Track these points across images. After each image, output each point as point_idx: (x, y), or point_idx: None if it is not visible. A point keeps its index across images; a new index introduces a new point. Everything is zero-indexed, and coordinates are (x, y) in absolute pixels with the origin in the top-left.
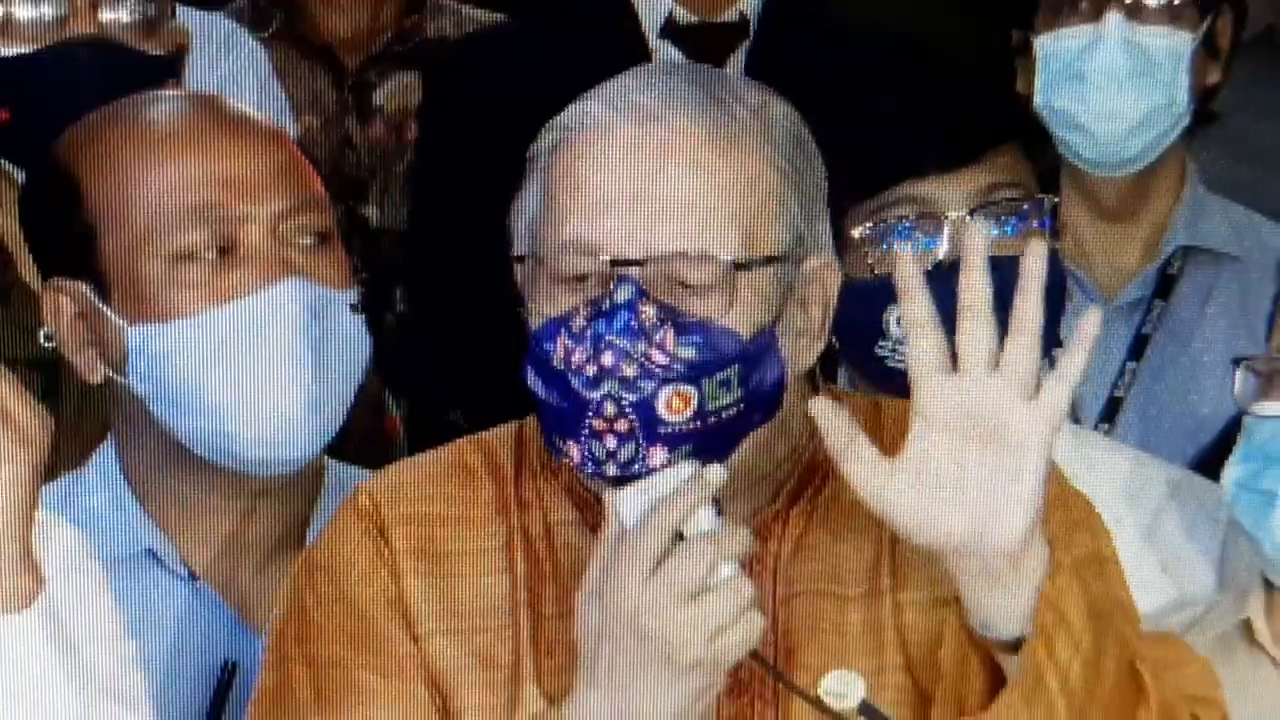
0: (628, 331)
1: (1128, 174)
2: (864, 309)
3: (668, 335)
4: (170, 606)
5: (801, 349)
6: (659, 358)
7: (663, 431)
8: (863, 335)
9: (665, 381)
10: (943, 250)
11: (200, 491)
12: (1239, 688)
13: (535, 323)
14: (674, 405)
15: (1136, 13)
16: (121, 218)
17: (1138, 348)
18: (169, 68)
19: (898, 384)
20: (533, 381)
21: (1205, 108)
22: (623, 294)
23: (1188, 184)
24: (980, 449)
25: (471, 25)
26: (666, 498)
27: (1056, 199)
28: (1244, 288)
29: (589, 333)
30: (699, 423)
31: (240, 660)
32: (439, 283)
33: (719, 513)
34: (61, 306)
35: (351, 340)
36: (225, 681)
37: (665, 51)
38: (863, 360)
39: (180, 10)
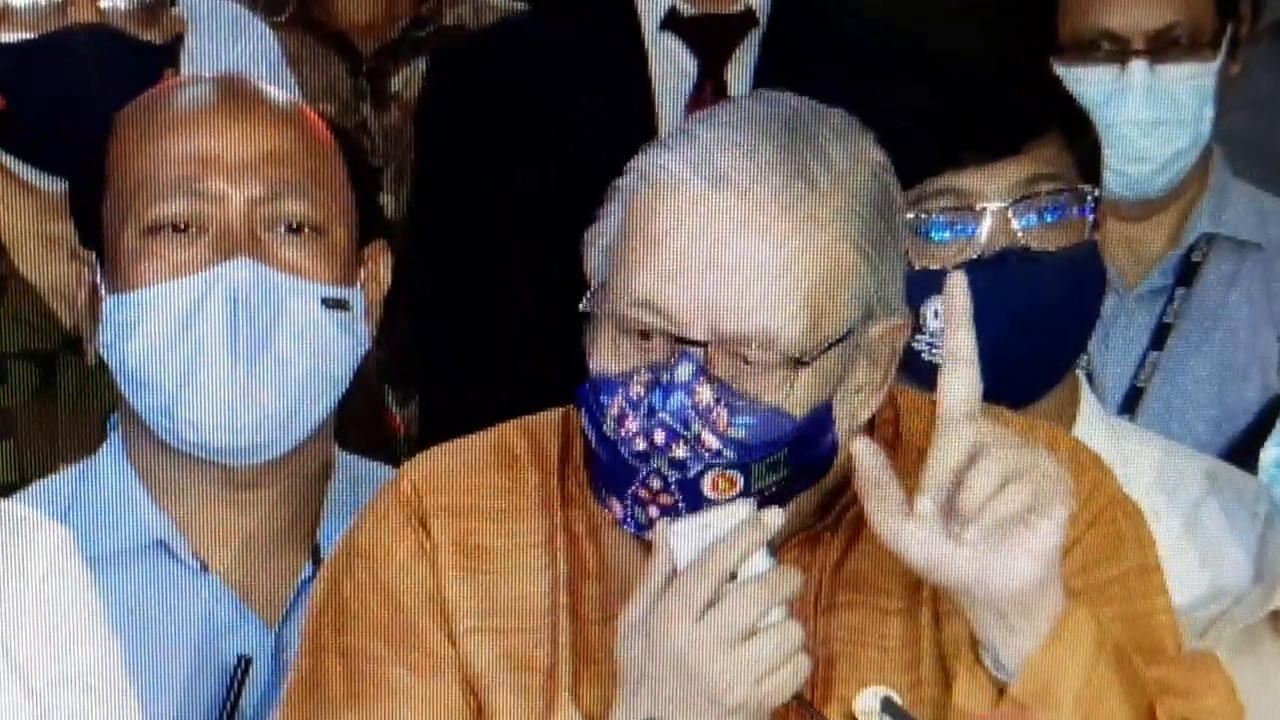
0: (681, 413)
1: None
2: None
3: (720, 416)
4: (183, 598)
5: (859, 404)
6: (710, 441)
7: (694, 506)
8: None
9: (712, 466)
10: (982, 241)
11: (200, 483)
12: (1264, 679)
13: (594, 363)
14: (719, 486)
15: (1160, 55)
16: (118, 186)
17: (1160, 336)
18: (167, 55)
19: (934, 378)
20: (585, 425)
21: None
22: (683, 372)
23: (1214, 171)
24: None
25: (488, 12)
26: (723, 540)
27: (1097, 190)
28: (1268, 275)
29: (645, 403)
30: (743, 497)
31: (252, 652)
32: (442, 269)
33: (772, 553)
34: (83, 277)
35: (319, 334)
36: (240, 676)
37: (665, 44)
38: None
39: None
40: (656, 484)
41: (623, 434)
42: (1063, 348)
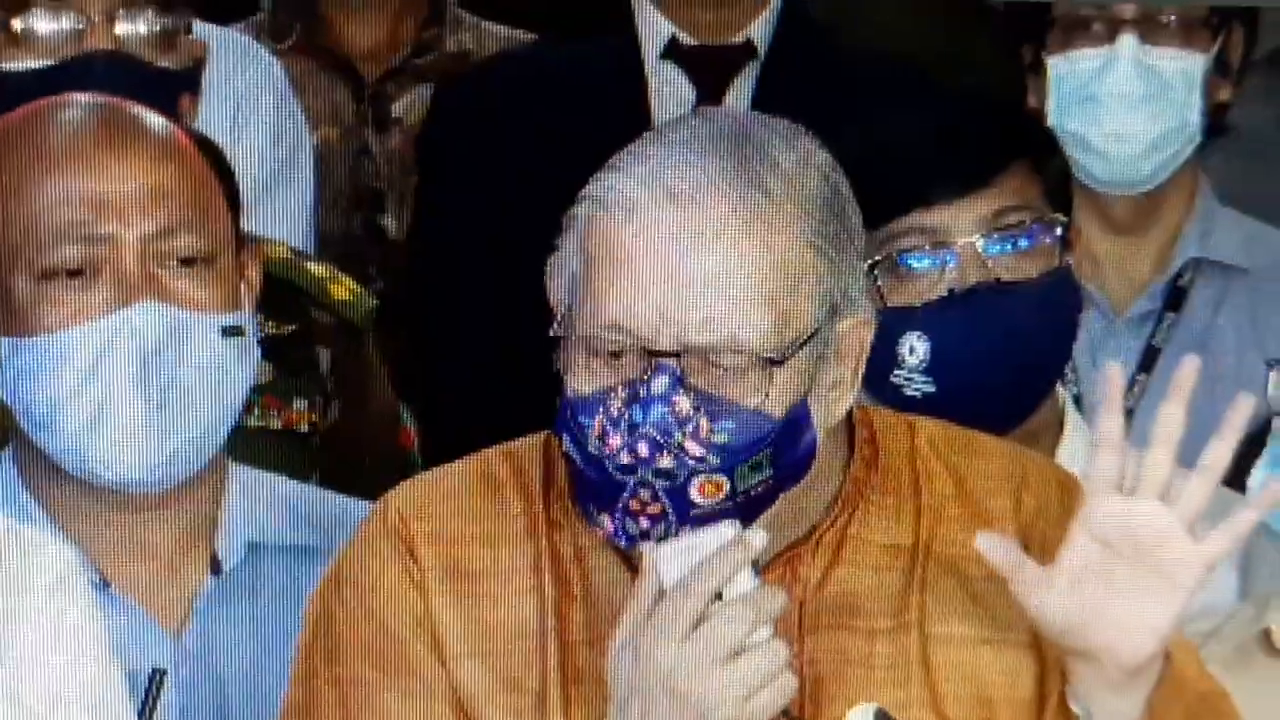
0: (662, 424)
1: (1141, 192)
2: (878, 338)
3: (701, 423)
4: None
5: (833, 401)
6: (693, 448)
7: (695, 513)
8: (878, 364)
9: (697, 472)
10: (954, 275)
11: (100, 505)
12: (1257, 697)
13: (571, 386)
14: (706, 490)
15: (1149, 35)
16: (2, 226)
17: (1148, 360)
18: (186, 81)
19: (914, 412)
20: (567, 446)
21: (1217, 124)
22: (659, 385)
23: (1199, 196)
24: (1131, 570)
25: (490, 39)
26: (708, 560)
27: (1065, 219)
28: (1254, 300)
29: (625, 419)
30: (731, 501)
31: (158, 665)
32: (442, 291)
33: (757, 573)
34: None
35: (219, 364)
36: (155, 688)
37: (665, 73)
38: (879, 388)
39: (196, 25)
40: (645, 495)
41: (607, 451)
42: (1041, 373)
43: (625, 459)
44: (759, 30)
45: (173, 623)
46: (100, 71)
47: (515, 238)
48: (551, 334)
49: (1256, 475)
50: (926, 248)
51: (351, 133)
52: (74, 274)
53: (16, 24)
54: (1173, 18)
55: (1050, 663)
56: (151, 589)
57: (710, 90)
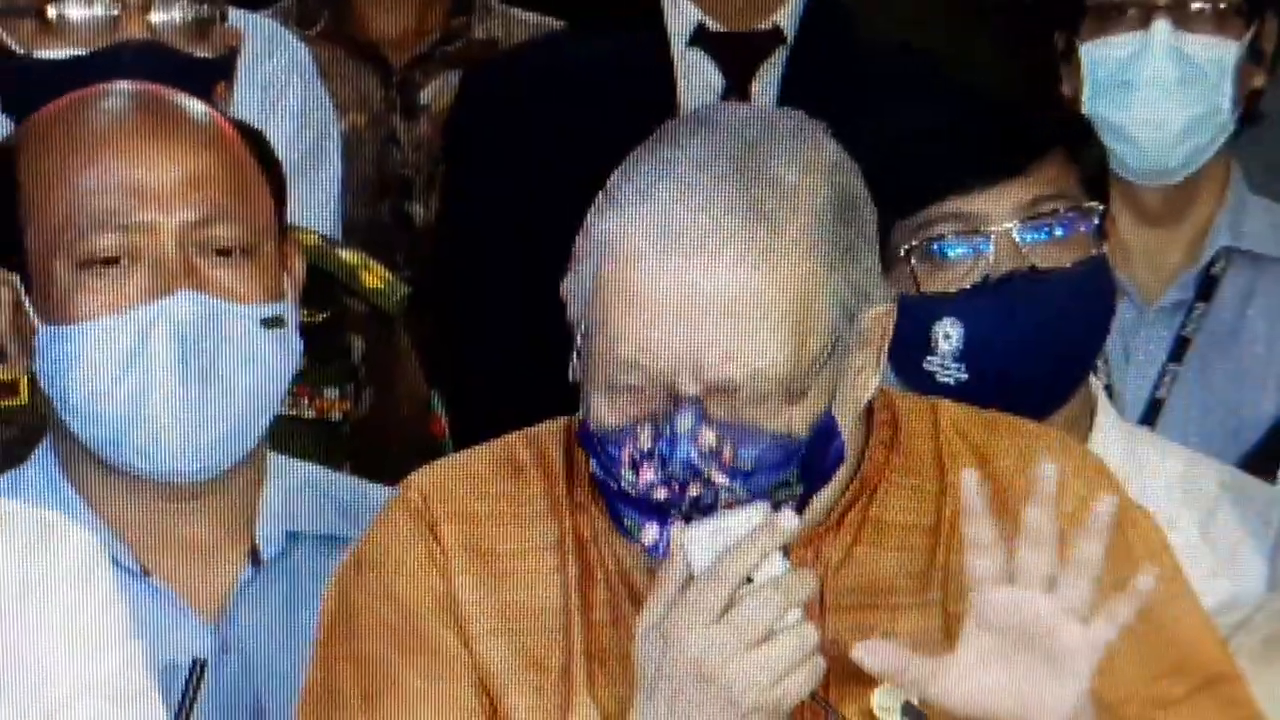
0: (689, 462)
1: (1172, 182)
2: (912, 325)
3: (726, 453)
4: (126, 604)
5: (859, 388)
6: (721, 480)
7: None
8: (911, 350)
9: (721, 493)
10: (990, 263)
11: (140, 495)
12: None
13: (594, 411)
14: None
15: (1183, 21)
16: (42, 215)
17: (1179, 350)
18: (220, 69)
19: (948, 398)
20: (595, 470)
21: (1250, 112)
22: (683, 424)
23: (1231, 186)
24: (1027, 657)
25: (519, 27)
26: (739, 544)
27: (1102, 207)
28: None
29: (655, 453)
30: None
31: (197, 654)
32: (470, 279)
33: (786, 556)
34: (2, 296)
35: (259, 355)
36: (195, 679)
37: (692, 60)
38: (912, 375)
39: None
40: (680, 517)
41: (641, 485)
42: (1074, 362)
43: (661, 494)
44: (787, 16)
45: (211, 612)
46: (134, 60)
47: (542, 224)
48: (575, 360)
49: None
50: (962, 234)
51: (379, 120)
52: (112, 262)
53: (51, 11)
54: (1206, 5)
55: None
56: (191, 579)
57: (738, 77)
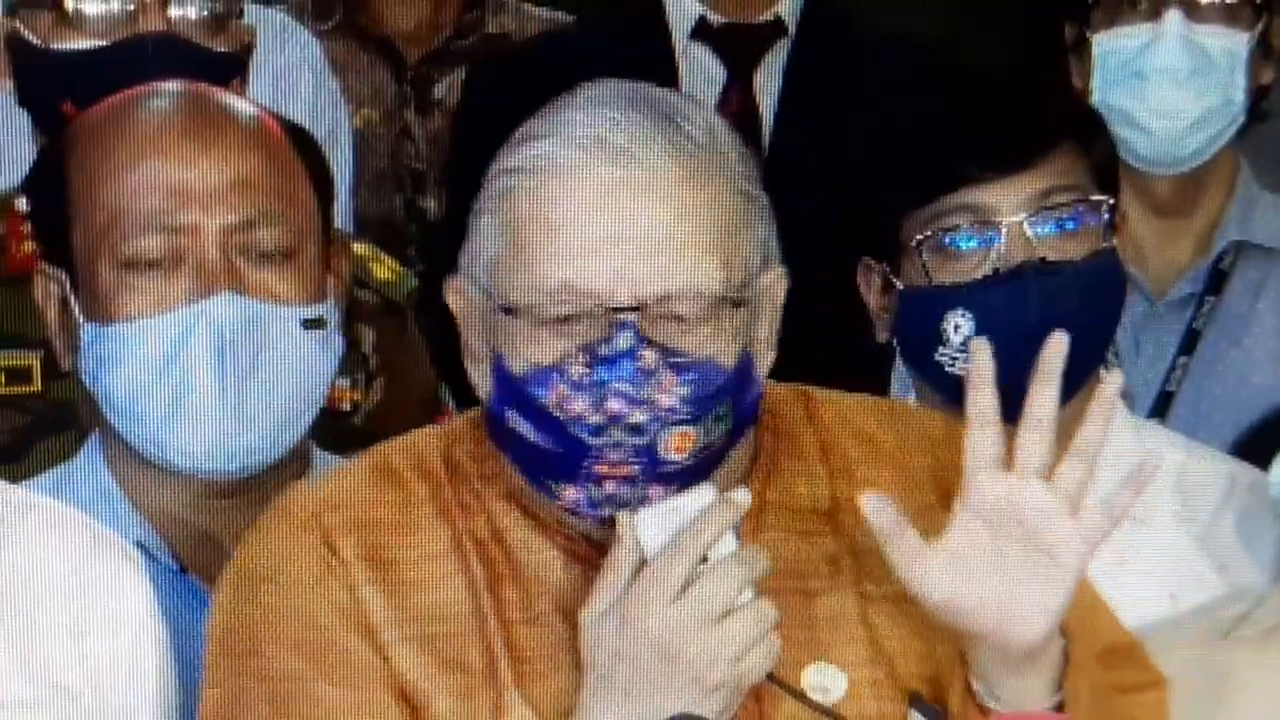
0: (633, 378)
1: (1182, 171)
2: (923, 316)
3: (666, 376)
4: (162, 599)
5: (760, 356)
6: (663, 400)
7: (662, 471)
8: (923, 342)
9: (669, 424)
10: (1000, 254)
11: (181, 491)
12: None
13: (517, 366)
14: (676, 445)
15: (1195, 12)
16: (88, 214)
17: (1189, 343)
18: (236, 64)
19: (959, 390)
20: (516, 423)
21: (1259, 107)
22: (624, 341)
23: (1240, 180)
24: (1019, 549)
25: (531, 21)
26: (696, 522)
27: (1113, 200)
28: None
29: (590, 380)
30: (693, 458)
31: None
32: None
33: (737, 535)
34: (50, 291)
35: (299, 356)
36: None
37: (694, 53)
38: (923, 367)
39: None
40: (615, 456)
41: (572, 415)
42: (1085, 355)
43: (596, 419)
44: (787, 7)
45: None
46: (151, 53)
47: None
48: (466, 319)
49: (1277, 465)
50: (973, 226)
51: (393, 114)
52: (155, 263)
53: (69, 5)
54: None
55: None
56: None
57: (740, 69)
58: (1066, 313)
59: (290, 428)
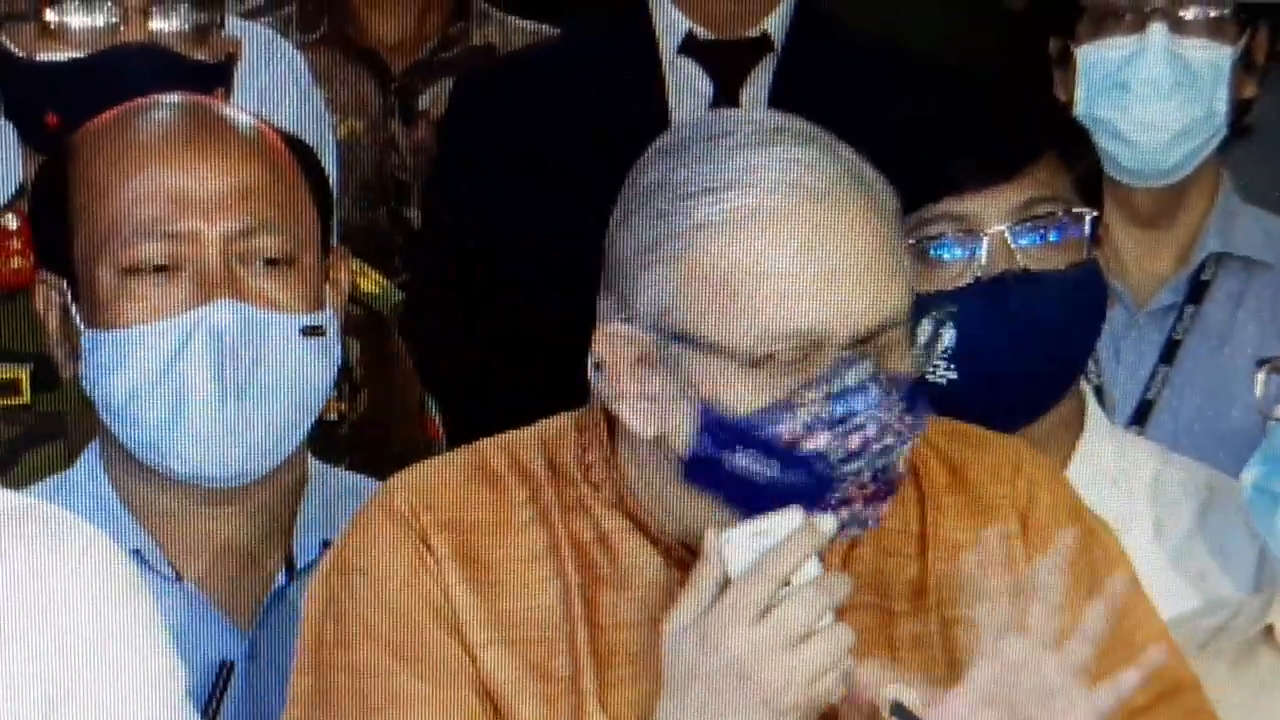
0: (879, 406)
1: (1164, 184)
2: None
3: (895, 400)
4: (159, 607)
5: None
6: (899, 423)
7: (893, 486)
8: None
9: (905, 442)
10: (982, 264)
11: (178, 499)
12: (1261, 691)
13: (738, 408)
14: (905, 459)
15: (1179, 26)
16: (89, 222)
17: (1169, 352)
18: (219, 75)
19: (941, 399)
20: (739, 462)
21: (1241, 120)
22: (862, 372)
23: (1221, 191)
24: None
25: (516, 33)
26: (782, 545)
27: (1095, 213)
28: (1275, 294)
29: (829, 415)
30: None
31: (229, 659)
32: (457, 281)
33: (820, 559)
34: (50, 300)
35: (298, 364)
36: (223, 681)
37: (682, 67)
38: None
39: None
40: (864, 479)
41: (818, 449)
42: (1065, 365)
43: (846, 448)
44: (775, 24)
45: (243, 618)
46: (134, 63)
47: (532, 231)
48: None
49: (1247, 474)
50: (956, 235)
51: (378, 125)
52: (156, 270)
53: (52, 16)
54: (1201, 10)
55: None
56: (224, 584)
57: (727, 84)
58: (1047, 323)
59: (288, 435)
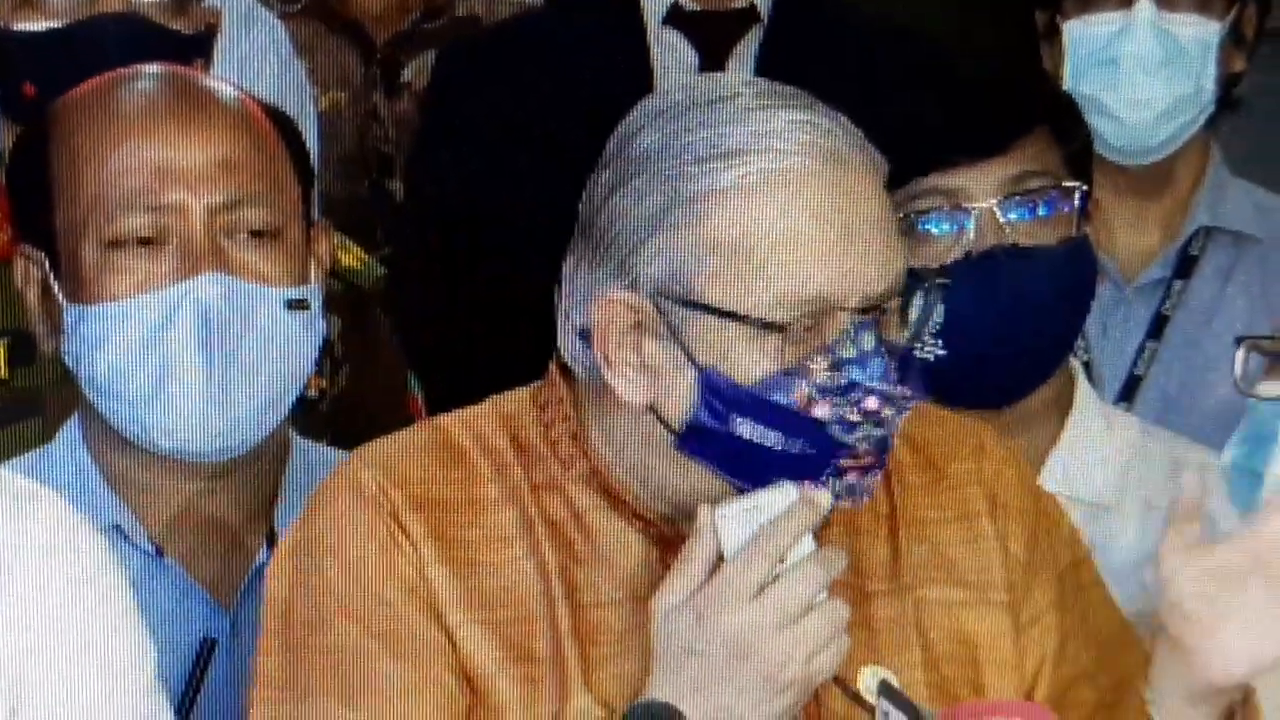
0: (884, 375)
1: (1152, 160)
2: None
3: (892, 368)
4: (138, 582)
5: None
6: (899, 392)
7: (887, 456)
8: None
9: (902, 412)
10: (971, 238)
11: (159, 474)
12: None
13: (745, 374)
14: (899, 430)
15: (1167, 1)
16: (71, 195)
17: (1157, 327)
18: (198, 46)
19: (930, 377)
20: (741, 429)
21: (1229, 95)
22: (869, 341)
23: (1210, 166)
24: (1266, 590)
25: (500, 4)
26: (779, 521)
27: (1085, 186)
28: (1264, 269)
29: (838, 384)
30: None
31: (211, 635)
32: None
33: (815, 535)
34: (30, 274)
35: (282, 337)
36: (205, 657)
37: (667, 39)
38: None
39: None
40: (863, 448)
41: (824, 416)
42: (1055, 341)
43: (853, 417)
44: None
45: (225, 595)
46: (112, 32)
47: (517, 201)
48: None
49: (1227, 453)
50: (945, 209)
51: (360, 97)
52: (141, 243)
53: None
54: None
55: (1022, 624)
56: (206, 560)
57: (713, 55)
58: (1036, 298)
59: (273, 409)
